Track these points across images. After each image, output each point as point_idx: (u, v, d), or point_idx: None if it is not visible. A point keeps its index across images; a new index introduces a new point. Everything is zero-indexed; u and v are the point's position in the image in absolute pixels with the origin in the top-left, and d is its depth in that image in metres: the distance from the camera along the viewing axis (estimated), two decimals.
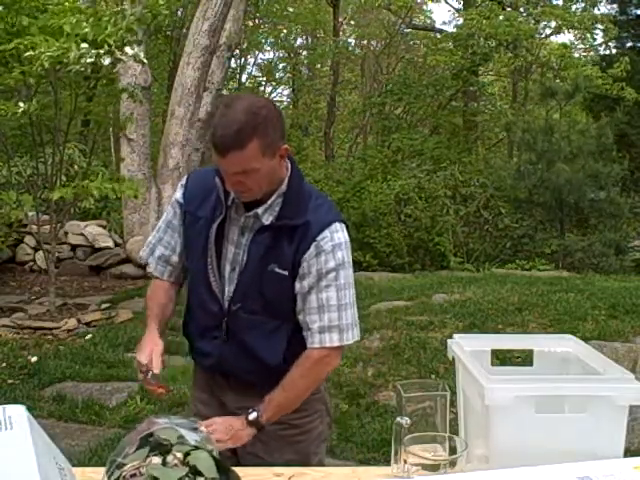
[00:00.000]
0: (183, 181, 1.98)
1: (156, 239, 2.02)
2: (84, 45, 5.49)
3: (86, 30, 5.59)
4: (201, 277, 1.90)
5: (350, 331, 1.86)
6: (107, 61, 5.70)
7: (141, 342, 1.92)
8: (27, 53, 5.45)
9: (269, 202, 1.82)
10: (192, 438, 1.47)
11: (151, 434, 1.47)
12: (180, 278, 2.04)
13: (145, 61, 6.54)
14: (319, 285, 1.82)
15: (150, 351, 1.86)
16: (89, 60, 5.55)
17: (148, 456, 1.41)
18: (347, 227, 1.90)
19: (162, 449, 1.42)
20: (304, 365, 1.85)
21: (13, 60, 5.76)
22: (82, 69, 5.71)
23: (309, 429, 2.00)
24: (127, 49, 5.82)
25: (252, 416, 1.82)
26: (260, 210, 1.82)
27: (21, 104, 5.63)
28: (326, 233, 1.82)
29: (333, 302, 1.83)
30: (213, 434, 1.68)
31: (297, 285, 1.84)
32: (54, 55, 5.37)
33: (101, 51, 5.59)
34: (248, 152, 1.69)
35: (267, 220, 1.83)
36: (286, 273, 1.83)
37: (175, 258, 1.99)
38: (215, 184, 1.86)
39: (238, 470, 1.55)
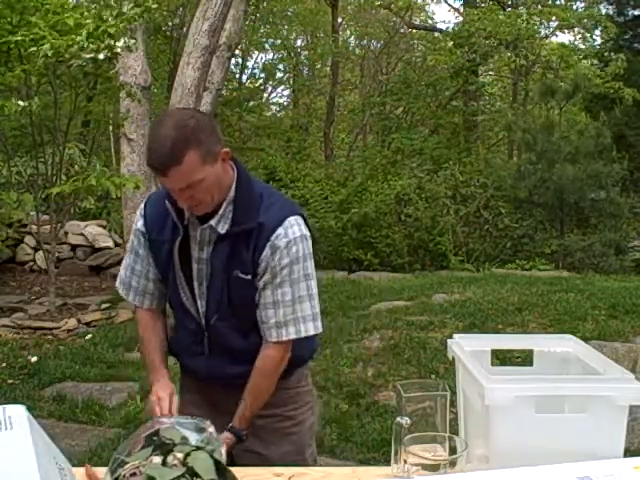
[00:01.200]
0: (142, 210, 1.98)
1: (128, 271, 2.02)
2: (82, 38, 5.49)
3: (88, 21, 5.60)
4: (175, 298, 1.94)
5: (309, 323, 1.86)
6: (102, 55, 5.70)
7: (155, 388, 1.95)
8: (31, 48, 5.45)
9: (220, 211, 1.82)
10: (195, 439, 1.48)
11: (156, 433, 1.48)
12: (162, 302, 2.04)
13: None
14: (274, 282, 1.83)
15: (169, 396, 1.91)
16: (88, 56, 5.56)
17: (151, 455, 1.42)
18: (304, 218, 1.89)
19: (164, 449, 1.43)
20: (265, 366, 1.88)
21: (14, 58, 5.76)
22: (83, 64, 5.71)
23: (302, 420, 2.03)
24: (124, 40, 5.82)
25: (241, 435, 1.87)
26: (214, 221, 1.83)
27: (20, 102, 5.63)
28: (280, 230, 1.82)
29: (288, 297, 1.84)
30: None
31: (256, 282, 1.85)
32: (56, 46, 5.37)
33: (101, 45, 5.60)
34: (187, 165, 1.68)
35: (223, 229, 1.83)
36: (249, 277, 1.84)
37: (151, 285, 2.00)
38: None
39: (238, 470, 1.55)
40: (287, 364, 1.93)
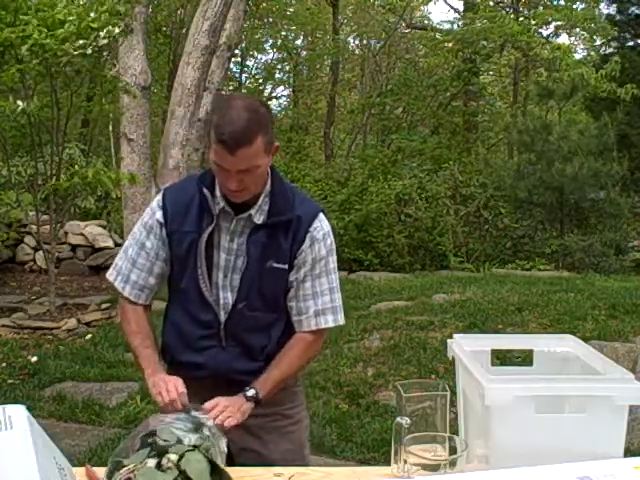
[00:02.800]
0: (159, 201, 1.95)
1: (129, 263, 1.97)
2: (64, 30, 5.50)
3: (72, 17, 5.61)
4: (192, 289, 1.91)
5: (340, 313, 1.97)
6: (90, 50, 5.71)
7: (155, 381, 1.86)
8: (24, 47, 5.43)
9: (259, 203, 1.88)
10: (190, 438, 1.47)
11: (153, 434, 1.47)
12: (150, 298, 2.02)
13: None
14: (313, 273, 1.92)
15: (174, 386, 1.83)
16: (76, 52, 5.57)
17: (146, 458, 1.42)
18: (326, 215, 2.00)
19: (159, 450, 1.42)
20: (299, 347, 1.94)
21: (10, 58, 5.75)
22: (73, 60, 5.72)
23: (299, 419, 2.06)
24: (108, 30, 5.82)
25: (250, 392, 1.85)
26: (253, 211, 1.87)
27: (19, 102, 5.62)
28: (317, 223, 1.92)
29: (325, 287, 1.94)
30: (225, 412, 1.75)
31: (293, 275, 1.92)
32: (39, 41, 5.37)
33: (87, 41, 5.61)
34: (255, 148, 1.74)
35: (259, 220, 1.88)
36: (286, 267, 1.90)
37: (152, 280, 1.98)
38: (194, 195, 1.89)
39: (238, 470, 1.55)
40: None
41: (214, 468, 1.42)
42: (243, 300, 1.89)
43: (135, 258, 1.97)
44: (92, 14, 5.72)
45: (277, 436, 1.98)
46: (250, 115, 1.74)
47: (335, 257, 1.97)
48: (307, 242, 1.90)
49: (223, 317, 1.91)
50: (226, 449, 1.57)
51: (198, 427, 1.54)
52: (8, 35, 5.42)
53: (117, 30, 5.94)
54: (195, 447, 1.45)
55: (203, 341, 1.94)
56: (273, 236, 1.88)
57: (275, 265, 1.88)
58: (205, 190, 1.89)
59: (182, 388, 1.80)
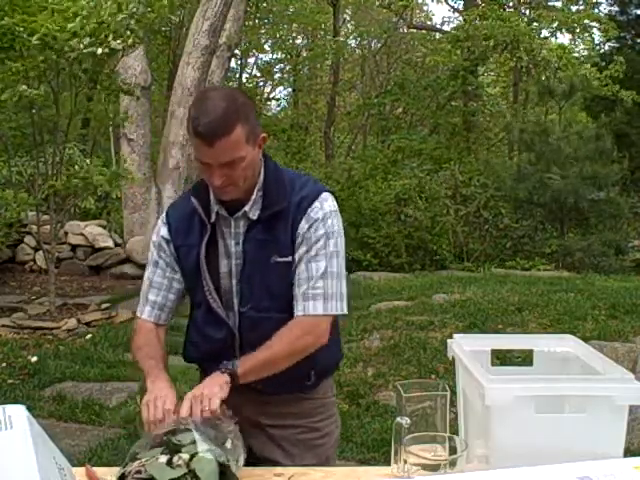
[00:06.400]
0: (164, 218, 1.91)
1: (147, 285, 1.92)
2: (76, 24, 5.49)
3: (84, 12, 5.61)
4: (203, 305, 1.85)
5: (335, 301, 1.79)
6: (100, 50, 5.70)
7: (148, 395, 1.72)
8: (34, 38, 5.40)
9: (253, 197, 1.79)
10: (203, 442, 1.47)
11: (173, 433, 1.48)
12: (169, 318, 1.95)
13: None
14: (309, 254, 1.78)
15: (162, 402, 1.67)
16: (87, 50, 5.56)
17: (159, 454, 1.43)
18: (334, 196, 1.87)
19: (173, 448, 1.44)
20: (292, 331, 1.77)
21: (14, 54, 5.73)
22: (82, 57, 5.71)
23: (328, 432, 1.95)
24: (123, 37, 5.82)
25: (228, 365, 1.73)
26: (247, 207, 1.79)
27: (25, 87, 5.58)
28: (316, 203, 1.79)
29: (321, 271, 1.78)
30: (204, 402, 1.61)
31: (294, 262, 1.80)
32: (51, 30, 5.35)
33: (101, 40, 5.61)
34: (235, 137, 1.66)
35: (254, 215, 1.79)
36: (289, 259, 1.79)
37: (172, 297, 1.91)
38: (192, 208, 1.83)
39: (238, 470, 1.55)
40: (315, 376, 1.87)
41: (224, 472, 1.42)
42: (247, 302, 1.80)
43: (151, 277, 1.91)
44: (102, 12, 5.69)
45: (302, 449, 1.89)
46: (227, 104, 1.66)
47: (339, 240, 1.81)
48: (304, 224, 1.77)
49: (237, 327, 1.82)
50: (242, 463, 1.56)
51: (219, 436, 1.53)
52: (17, 23, 5.36)
53: (130, 38, 5.93)
54: (209, 451, 1.45)
55: (220, 356, 1.81)
56: (271, 229, 1.78)
57: (279, 260, 1.77)
58: (194, 200, 1.82)
59: (170, 405, 1.65)
